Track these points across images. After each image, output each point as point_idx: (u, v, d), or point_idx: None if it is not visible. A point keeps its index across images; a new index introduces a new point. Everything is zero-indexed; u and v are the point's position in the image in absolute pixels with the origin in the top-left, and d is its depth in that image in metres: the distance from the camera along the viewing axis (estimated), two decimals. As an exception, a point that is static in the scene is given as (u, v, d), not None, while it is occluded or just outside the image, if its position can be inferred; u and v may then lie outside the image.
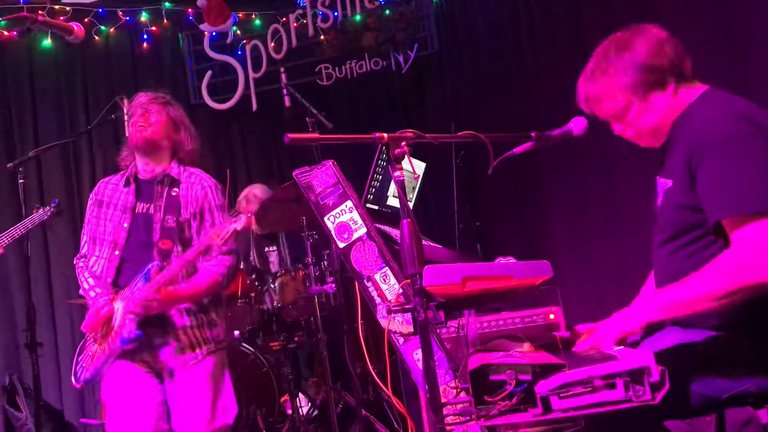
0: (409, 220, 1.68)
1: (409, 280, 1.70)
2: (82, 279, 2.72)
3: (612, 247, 4.37)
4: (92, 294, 2.65)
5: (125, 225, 2.65)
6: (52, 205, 3.57)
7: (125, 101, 3.59)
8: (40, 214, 3.52)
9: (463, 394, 1.82)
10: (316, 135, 1.81)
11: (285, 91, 4.13)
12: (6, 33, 1.99)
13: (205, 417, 2.60)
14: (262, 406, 3.86)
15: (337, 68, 5.31)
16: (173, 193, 2.64)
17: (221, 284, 2.67)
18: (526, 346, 1.75)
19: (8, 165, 3.84)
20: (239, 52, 5.47)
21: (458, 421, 1.74)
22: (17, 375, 4.85)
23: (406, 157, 1.70)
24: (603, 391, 1.43)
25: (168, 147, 2.73)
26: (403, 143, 1.71)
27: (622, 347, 1.66)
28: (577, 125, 2.02)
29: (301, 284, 4.27)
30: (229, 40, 5.48)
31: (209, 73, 5.43)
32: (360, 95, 5.45)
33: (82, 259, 2.77)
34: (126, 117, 3.57)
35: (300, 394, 4.29)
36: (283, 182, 4.70)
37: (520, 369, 1.48)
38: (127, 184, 2.72)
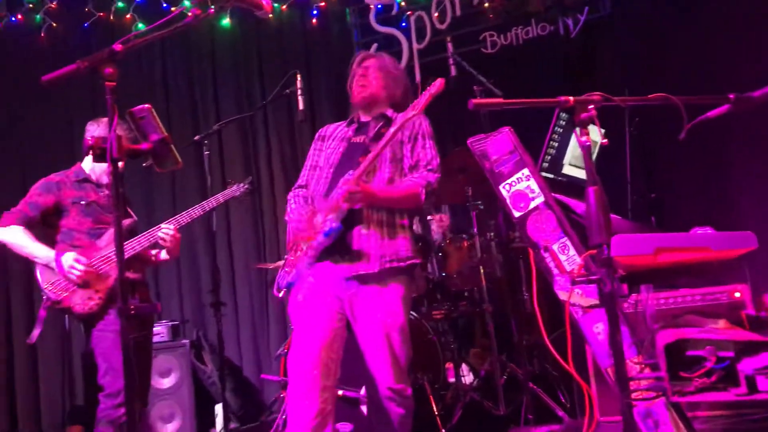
0: (596, 187, 1.62)
1: (594, 250, 1.65)
2: (289, 208, 2.96)
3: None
4: (291, 214, 2.91)
5: (340, 150, 2.90)
6: (247, 181, 3.68)
7: (298, 76, 3.75)
8: (233, 190, 3.63)
9: (647, 369, 1.74)
10: (500, 99, 1.77)
11: (451, 61, 4.11)
12: (190, 14, 2.10)
13: (382, 343, 2.66)
14: (428, 372, 3.92)
15: (502, 35, 5.19)
16: (383, 131, 2.80)
17: (419, 196, 2.73)
18: (722, 323, 1.64)
19: (195, 138, 4.13)
20: (404, 24, 5.50)
21: (645, 396, 1.67)
22: (203, 332, 5.29)
23: (593, 121, 1.64)
24: (820, 373, 1.31)
25: (385, 98, 2.96)
26: (590, 106, 1.64)
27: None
28: (783, 85, 1.84)
29: (465, 254, 4.28)
30: (394, 12, 5.52)
31: (374, 45, 5.47)
32: (526, 62, 5.27)
33: (297, 189, 3.01)
34: (300, 91, 3.75)
35: (462, 363, 4.32)
36: (444, 153, 4.69)
37: (721, 345, 1.39)
38: (349, 123, 3.01)
